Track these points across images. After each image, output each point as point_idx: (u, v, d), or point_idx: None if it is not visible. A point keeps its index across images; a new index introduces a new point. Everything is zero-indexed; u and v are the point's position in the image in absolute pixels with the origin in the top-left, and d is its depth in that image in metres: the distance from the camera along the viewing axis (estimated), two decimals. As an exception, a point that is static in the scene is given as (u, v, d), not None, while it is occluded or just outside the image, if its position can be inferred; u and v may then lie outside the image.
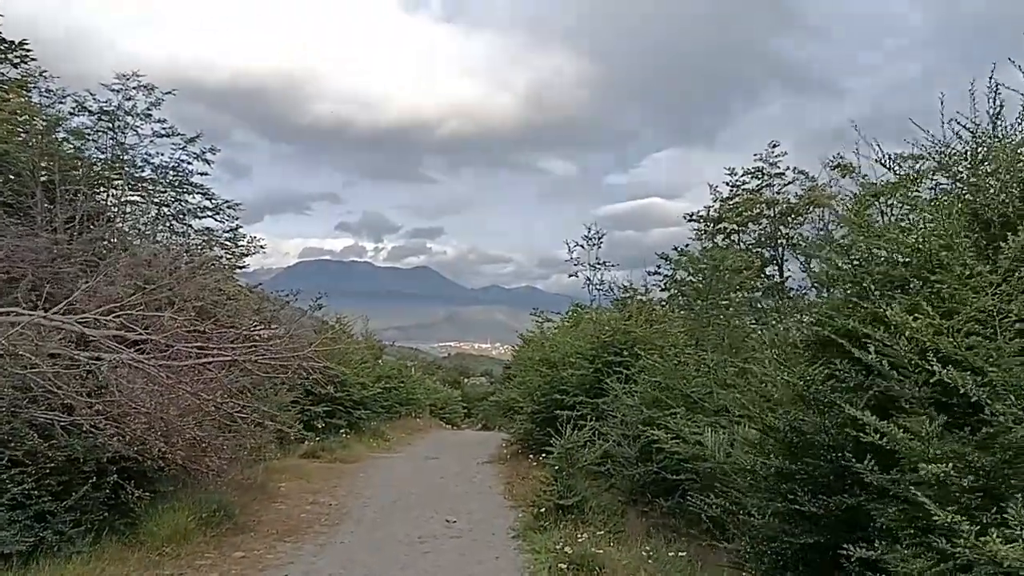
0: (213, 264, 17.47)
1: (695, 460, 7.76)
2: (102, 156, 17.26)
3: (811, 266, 15.00)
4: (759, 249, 16.47)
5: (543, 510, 8.68)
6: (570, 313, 19.91)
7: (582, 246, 19.66)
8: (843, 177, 16.06)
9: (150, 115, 17.62)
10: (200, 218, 19.06)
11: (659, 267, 16.55)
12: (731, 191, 16.77)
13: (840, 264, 5.28)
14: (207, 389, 8.49)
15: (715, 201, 17.00)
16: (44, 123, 15.53)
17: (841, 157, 16.12)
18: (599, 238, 19.70)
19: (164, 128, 17.85)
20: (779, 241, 16.08)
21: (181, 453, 7.51)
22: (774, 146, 15.93)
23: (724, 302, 9.71)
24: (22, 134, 15.37)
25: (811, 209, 15.45)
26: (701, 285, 9.74)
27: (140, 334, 7.75)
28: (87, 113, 17.05)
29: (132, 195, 18.30)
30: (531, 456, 14.19)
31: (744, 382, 6.63)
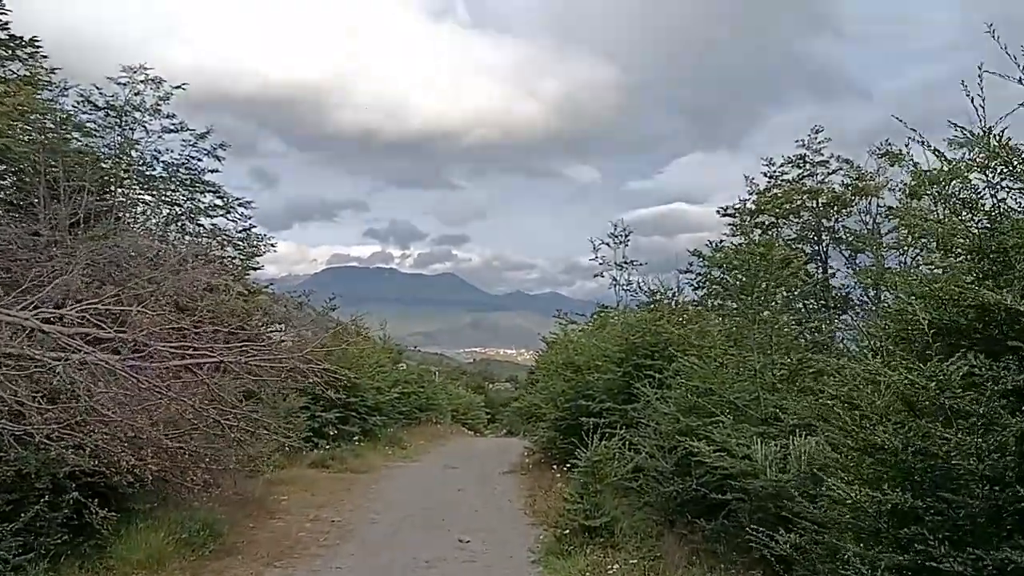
0: (222, 261, 16.74)
1: (743, 477, 6.68)
2: (110, 153, 16.62)
3: (857, 261, 13.65)
4: (799, 245, 15.30)
5: (567, 531, 7.64)
6: (595, 316, 18.85)
7: (608, 245, 18.58)
8: (891, 165, 14.86)
9: (159, 110, 16.95)
10: (211, 217, 18.35)
11: (691, 264, 15.43)
12: (769, 182, 15.64)
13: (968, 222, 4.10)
14: (189, 394, 7.59)
15: (751, 194, 15.88)
16: (48, 119, 14.94)
17: (889, 144, 14.94)
18: (625, 236, 18.61)
19: (173, 123, 17.14)
20: (822, 235, 14.90)
21: (152, 467, 6.58)
22: (817, 131, 14.78)
23: (771, 297, 8.61)
24: (31, 132, 14.81)
25: (857, 199, 14.26)
26: (744, 278, 8.64)
27: (106, 331, 6.85)
28: (93, 108, 16.42)
29: (143, 194, 17.64)
30: (555, 466, 13.14)
31: (815, 384, 5.50)
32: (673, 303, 13.58)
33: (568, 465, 12.70)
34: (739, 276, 8.75)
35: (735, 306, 13.14)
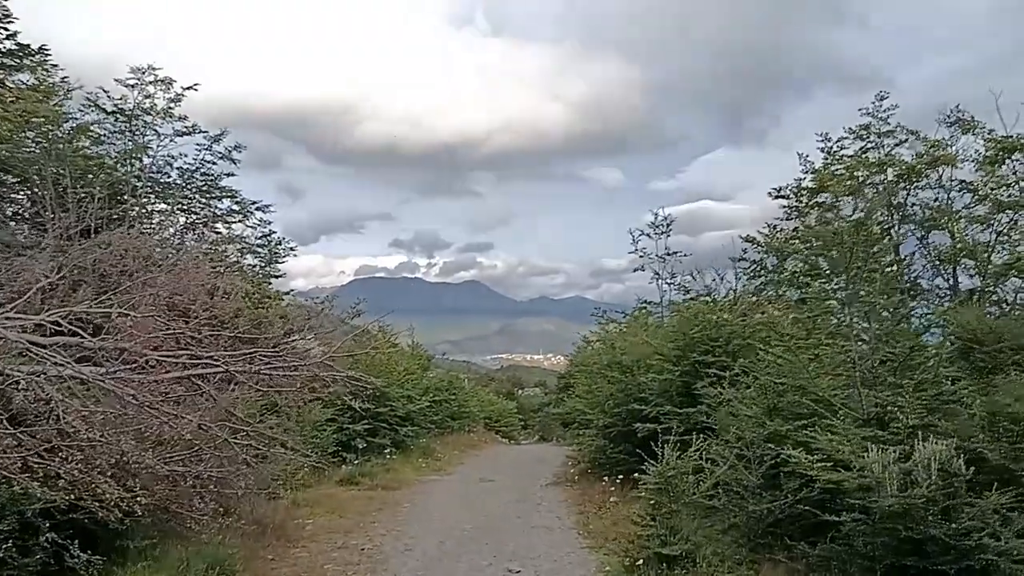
0: (240, 267, 15.81)
1: (862, 492, 5.43)
2: (120, 158, 15.87)
3: (930, 240, 12.24)
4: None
5: (640, 560, 6.40)
6: (637, 312, 17.67)
7: (648, 235, 17.40)
8: (964, 133, 13.52)
9: (171, 113, 16.14)
10: (229, 223, 17.51)
11: (745, 251, 14.20)
12: (826, 158, 14.28)
13: None
14: (191, 410, 6.51)
15: (805, 173, 14.55)
16: (53, 125, 14.25)
17: (960, 111, 13.59)
18: (667, 226, 17.42)
19: (186, 126, 16.33)
20: (892, 213, 13.50)
21: (143, 499, 5.47)
22: (883, 98, 13.40)
23: (870, 276, 7.35)
24: (38, 140, 14.17)
25: (930, 171, 12.87)
26: (836, 255, 7.37)
27: (89, 339, 5.78)
28: (102, 112, 15.65)
29: (157, 202, 16.86)
30: (605, 478, 11.89)
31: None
32: (732, 293, 12.31)
33: (620, 476, 11.48)
34: (831, 254, 7.45)
35: (809, 291, 11.85)
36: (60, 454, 5.18)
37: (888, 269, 12.46)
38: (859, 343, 6.79)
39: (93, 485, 5.25)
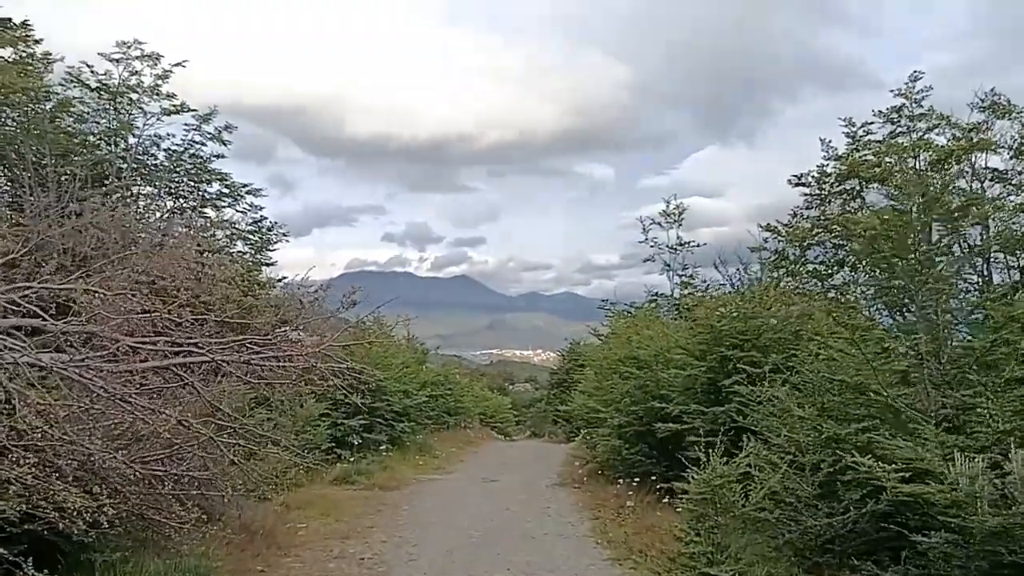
0: (230, 255, 14.97)
1: (955, 508, 4.66)
2: (105, 137, 15.04)
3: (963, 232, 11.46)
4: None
5: (683, 582, 5.61)
6: (647, 305, 16.94)
7: (659, 224, 16.69)
8: (1000, 118, 12.76)
9: (158, 90, 15.29)
10: (219, 209, 16.65)
11: (766, 240, 13.44)
12: (850, 143, 13.49)
13: None
14: (172, 404, 5.69)
15: (827, 159, 13.77)
16: (32, 100, 13.44)
17: (996, 94, 12.83)
18: (679, 213, 16.71)
19: (174, 104, 15.45)
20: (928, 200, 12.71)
21: (109, 509, 4.64)
22: (916, 79, 12.59)
23: (941, 256, 6.60)
24: (16, 117, 13.38)
25: (967, 157, 12.10)
26: (899, 237, 6.59)
27: (48, 321, 4.95)
28: (85, 88, 14.78)
29: (144, 185, 16.01)
30: (619, 481, 11.10)
31: None
32: (758, 284, 11.55)
33: (636, 479, 10.71)
34: (891, 234, 6.66)
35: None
36: (11, 456, 4.35)
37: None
38: (927, 336, 6.03)
39: (51, 492, 4.43)
